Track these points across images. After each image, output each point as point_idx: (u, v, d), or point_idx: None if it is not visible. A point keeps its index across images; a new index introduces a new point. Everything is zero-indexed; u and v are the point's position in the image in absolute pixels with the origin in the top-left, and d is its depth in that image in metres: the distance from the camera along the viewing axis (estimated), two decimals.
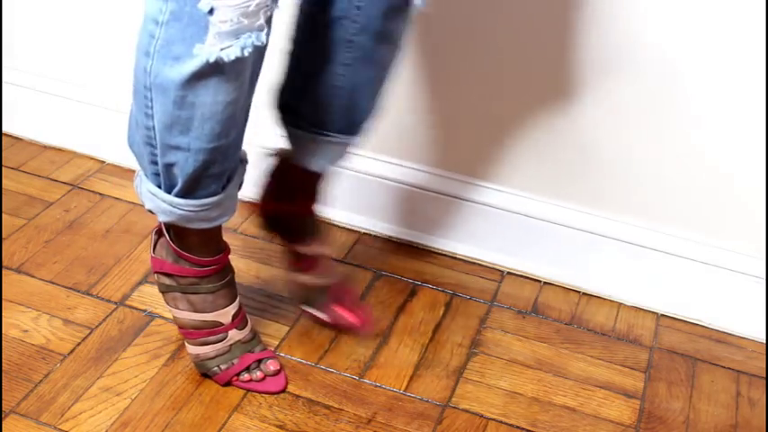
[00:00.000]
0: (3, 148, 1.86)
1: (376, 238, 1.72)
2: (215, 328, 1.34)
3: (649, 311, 1.62)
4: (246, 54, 1.07)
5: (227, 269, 1.34)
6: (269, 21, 1.08)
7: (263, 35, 1.08)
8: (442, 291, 1.61)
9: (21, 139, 1.90)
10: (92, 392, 1.33)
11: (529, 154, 1.59)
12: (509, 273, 1.67)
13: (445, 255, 1.70)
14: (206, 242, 1.30)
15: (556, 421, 1.38)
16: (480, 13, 1.50)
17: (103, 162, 1.85)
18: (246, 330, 1.37)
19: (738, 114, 1.45)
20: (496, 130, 1.60)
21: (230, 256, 1.62)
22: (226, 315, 1.34)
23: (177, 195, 1.21)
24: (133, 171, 1.84)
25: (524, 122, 1.57)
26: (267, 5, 1.06)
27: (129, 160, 1.84)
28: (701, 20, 1.40)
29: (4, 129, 1.91)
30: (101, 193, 1.76)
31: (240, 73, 1.11)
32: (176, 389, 1.35)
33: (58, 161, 1.85)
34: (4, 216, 1.67)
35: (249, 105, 1.20)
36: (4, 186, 1.75)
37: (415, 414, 1.36)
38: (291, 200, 1.41)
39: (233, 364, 1.35)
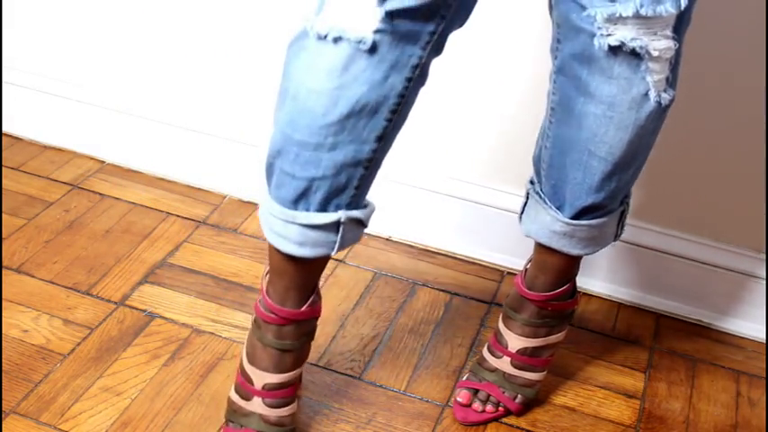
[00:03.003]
0: (3, 148, 1.86)
1: (376, 238, 1.72)
2: (245, 383, 1.24)
3: (649, 311, 1.62)
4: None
5: (286, 335, 1.21)
6: None
7: None
8: (442, 291, 1.61)
9: (21, 139, 1.90)
10: (92, 392, 1.33)
11: (528, 155, 1.59)
12: (509, 273, 1.67)
13: (445, 255, 1.70)
14: (276, 279, 1.20)
15: (556, 421, 1.38)
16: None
17: (103, 162, 1.85)
18: (277, 415, 1.24)
19: (737, 113, 1.45)
20: (496, 131, 1.60)
21: (229, 255, 1.62)
22: (258, 378, 1.23)
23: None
24: (133, 171, 1.85)
25: (522, 122, 1.57)
26: None
27: (128, 160, 1.85)
28: (699, 19, 1.40)
29: (4, 129, 1.91)
30: (101, 193, 1.76)
31: None
32: (176, 389, 1.35)
33: (57, 161, 1.85)
34: (4, 216, 1.67)
35: None
36: (4, 186, 1.75)
37: (414, 414, 1.36)
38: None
39: (239, 427, 1.24)
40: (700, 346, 1.56)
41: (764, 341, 1.57)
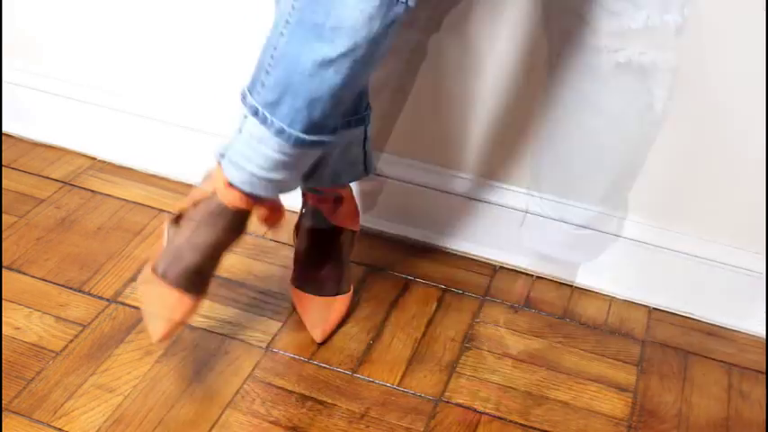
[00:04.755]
0: (2, 147, 1.86)
1: (368, 233, 1.72)
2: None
3: (641, 305, 1.62)
4: None
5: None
6: None
7: None
8: (435, 286, 1.62)
9: (12, 137, 1.90)
10: (85, 389, 1.33)
11: (522, 149, 1.59)
12: (501, 267, 1.67)
13: (438, 250, 1.70)
14: None
15: (549, 415, 1.38)
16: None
17: (95, 159, 1.85)
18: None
19: (737, 112, 1.45)
20: (490, 125, 1.60)
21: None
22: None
23: None
24: (125, 168, 1.84)
25: (519, 118, 1.57)
26: None
27: (121, 157, 1.84)
28: (700, 19, 1.40)
29: None
30: (93, 190, 1.76)
31: None
32: (169, 385, 1.35)
33: (49, 158, 1.84)
34: None
35: None
36: None
37: (408, 408, 1.36)
38: None
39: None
40: (692, 339, 1.57)
41: (758, 335, 1.57)
